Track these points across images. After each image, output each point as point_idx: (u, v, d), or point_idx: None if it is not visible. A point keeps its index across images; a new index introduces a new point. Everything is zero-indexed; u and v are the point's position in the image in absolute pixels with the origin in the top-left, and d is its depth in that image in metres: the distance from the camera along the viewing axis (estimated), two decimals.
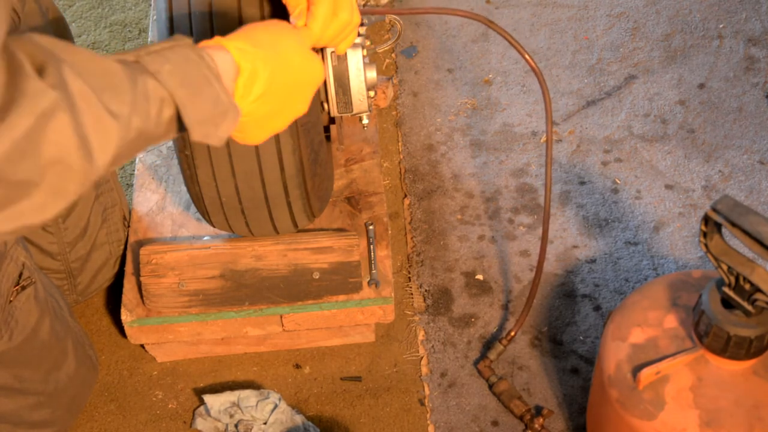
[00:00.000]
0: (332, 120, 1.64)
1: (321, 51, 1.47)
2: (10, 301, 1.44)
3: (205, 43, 1.02)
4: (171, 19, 1.44)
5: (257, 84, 1.05)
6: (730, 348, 1.34)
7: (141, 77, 0.90)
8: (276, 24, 1.14)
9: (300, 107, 1.17)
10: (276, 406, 1.73)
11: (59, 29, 1.68)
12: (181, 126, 0.95)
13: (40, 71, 0.80)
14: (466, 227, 2.02)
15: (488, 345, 1.85)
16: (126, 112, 0.87)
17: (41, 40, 0.83)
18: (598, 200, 2.05)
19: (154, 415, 1.79)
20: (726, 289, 1.33)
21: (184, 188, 1.89)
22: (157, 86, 0.91)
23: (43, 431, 1.61)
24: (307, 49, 1.17)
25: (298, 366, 1.83)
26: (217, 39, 1.02)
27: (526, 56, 1.63)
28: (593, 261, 1.95)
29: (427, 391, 1.80)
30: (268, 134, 1.16)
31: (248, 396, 1.74)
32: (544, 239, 1.74)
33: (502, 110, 2.22)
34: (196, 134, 0.96)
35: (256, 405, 1.73)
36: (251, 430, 1.71)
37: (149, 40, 2.12)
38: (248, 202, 1.56)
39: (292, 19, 1.29)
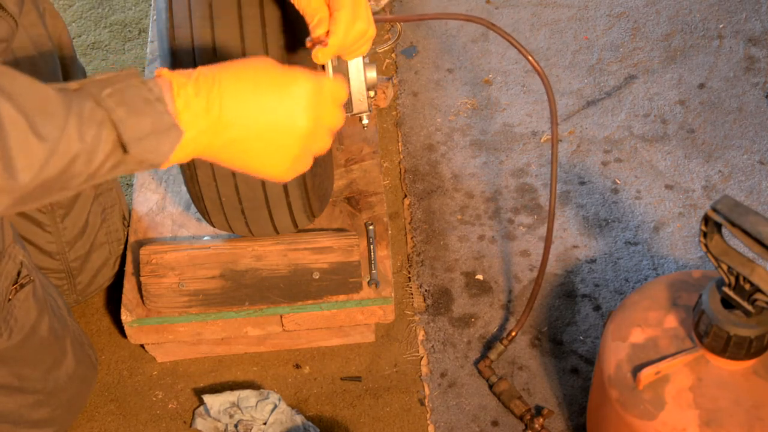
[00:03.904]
0: None
1: None
2: (9, 300, 1.44)
3: (158, 71, 1.03)
4: (171, 20, 1.44)
5: (203, 93, 1.00)
6: (730, 348, 1.34)
7: (78, 101, 0.92)
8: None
9: (294, 122, 1.05)
10: (276, 406, 1.73)
11: (56, 31, 1.67)
12: (125, 149, 0.96)
13: None
14: (466, 227, 2.02)
15: (488, 345, 1.85)
16: (55, 135, 0.90)
17: None
18: (598, 200, 2.05)
19: (154, 415, 1.79)
20: (726, 289, 1.33)
21: (184, 188, 1.89)
22: (95, 109, 0.93)
23: (43, 430, 1.61)
24: (283, 65, 1.08)
25: (298, 366, 1.84)
26: (159, 69, 1.02)
27: (530, 58, 1.63)
28: (593, 261, 1.95)
29: (427, 391, 1.80)
30: (279, 160, 1.07)
31: (248, 396, 1.74)
32: (548, 239, 1.74)
33: (502, 110, 2.22)
34: (135, 151, 0.95)
35: (256, 405, 1.73)
36: (251, 430, 1.71)
37: (149, 40, 2.13)
38: (248, 202, 1.56)
39: (311, 27, 1.30)
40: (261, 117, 1.03)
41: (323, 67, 1.55)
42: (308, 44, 1.32)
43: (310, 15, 1.29)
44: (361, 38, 1.31)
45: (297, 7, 1.31)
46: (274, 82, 1.04)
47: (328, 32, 1.28)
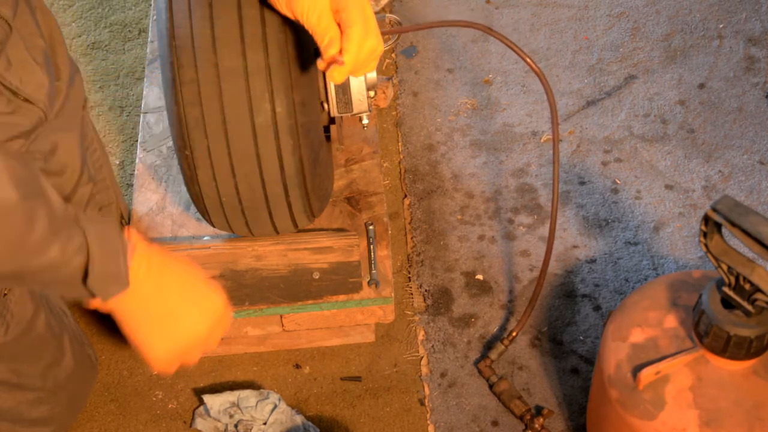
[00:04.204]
0: (332, 120, 1.65)
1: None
2: (5, 295, 1.45)
3: (128, 229, 1.19)
4: (171, 20, 1.44)
5: (153, 269, 1.18)
6: (730, 348, 1.34)
7: (72, 223, 1.10)
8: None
9: (193, 330, 1.23)
10: (276, 406, 1.73)
11: (48, 29, 1.67)
12: (84, 277, 1.11)
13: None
14: (466, 227, 2.02)
15: (488, 345, 1.85)
16: (50, 244, 1.07)
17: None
18: (598, 200, 2.05)
19: (154, 415, 1.79)
20: (726, 289, 1.33)
21: (184, 188, 1.88)
22: (81, 236, 1.10)
23: (42, 429, 1.61)
24: (208, 281, 1.27)
25: (298, 366, 1.84)
26: (133, 231, 1.18)
27: (528, 60, 1.63)
28: (593, 261, 1.95)
29: (427, 391, 1.80)
30: (164, 350, 1.23)
31: (248, 396, 1.74)
32: (551, 238, 1.74)
33: (502, 110, 2.22)
34: (92, 282, 1.11)
35: (256, 405, 1.73)
36: (251, 430, 1.71)
37: (149, 40, 2.13)
38: (248, 202, 1.56)
39: (323, 48, 1.29)
40: (175, 310, 1.22)
41: (326, 85, 1.55)
42: (321, 66, 1.30)
43: (320, 35, 1.29)
44: (371, 55, 1.31)
45: (306, 26, 1.30)
46: (195, 296, 1.24)
47: (341, 51, 1.28)
